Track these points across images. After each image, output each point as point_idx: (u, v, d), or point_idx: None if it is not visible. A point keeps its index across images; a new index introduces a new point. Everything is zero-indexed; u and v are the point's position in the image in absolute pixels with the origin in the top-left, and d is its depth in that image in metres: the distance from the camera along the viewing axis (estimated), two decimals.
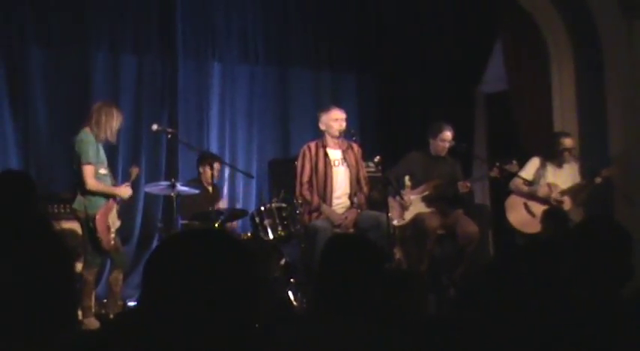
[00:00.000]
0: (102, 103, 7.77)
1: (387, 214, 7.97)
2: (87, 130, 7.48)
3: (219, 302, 2.04)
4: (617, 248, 3.05)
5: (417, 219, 8.75)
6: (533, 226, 8.95)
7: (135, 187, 8.11)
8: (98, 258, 7.48)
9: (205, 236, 2.19)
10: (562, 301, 2.65)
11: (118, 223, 7.66)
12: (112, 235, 7.50)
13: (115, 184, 7.79)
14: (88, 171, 7.37)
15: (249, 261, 2.16)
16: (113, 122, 7.56)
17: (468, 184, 8.90)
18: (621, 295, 3.02)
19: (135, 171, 8.09)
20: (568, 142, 9.07)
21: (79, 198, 7.45)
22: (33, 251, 2.08)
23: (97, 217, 7.37)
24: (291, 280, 8.08)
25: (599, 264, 3.00)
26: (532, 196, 9.07)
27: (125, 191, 7.71)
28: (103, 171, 7.51)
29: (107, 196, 7.52)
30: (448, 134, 8.85)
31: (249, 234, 8.66)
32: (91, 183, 7.39)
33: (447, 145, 8.87)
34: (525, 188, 9.07)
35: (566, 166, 9.11)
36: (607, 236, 3.08)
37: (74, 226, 7.75)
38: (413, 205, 8.78)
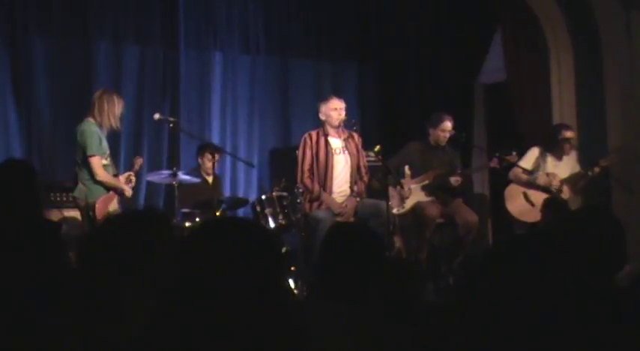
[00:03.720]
0: (102, 91, 7.80)
1: (388, 203, 8.02)
2: (90, 119, 7.52)
3: (249, 290, 2.09)
4: (610, 237, 3.10)
5: (417, 208, 8.80)
6: (532, 215, 8.99)
7: (137, 177, 8.17)
8: None
9: (236, 224, 2.25)
10: (557, 288, 2.69)
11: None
12: None
13: (117, 174, 7.84)
14: (96, 162, 7.42)
15: (279, 248, 2.22)
16: (115, 109, 7.60)
17: (459, 179, 8.94)
18: (614, 283, 3.07)
19: (139, 162, 8.15)
20: (569, 133, 9.10)
21: (80, 186, 7.50)
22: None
23: (97, 205, 7.42)
24: (292, 268, 8.14)
25: (593, 252, 3.04)
26: (532, 185, 9.10)
27: (128, 191, 7.76)
28: (104, 161, 7.55)
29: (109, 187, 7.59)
30: (448, 124, 8.90)
31: None
32: (101, 174, 7.44)
33: (447, 134, 8.92)
34: (525, 177, 9.11)
35: (565, 158, 9.15)
36: (600, 225, 3.13)
37: (76, 214, 7.80)
38: (413, 193, 8.83)
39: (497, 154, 8.91)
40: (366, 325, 2.96)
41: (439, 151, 9.02)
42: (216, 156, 9.17)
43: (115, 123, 7.60)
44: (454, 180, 8.86)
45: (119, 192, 7.65)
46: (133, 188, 8.10)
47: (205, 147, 9.28)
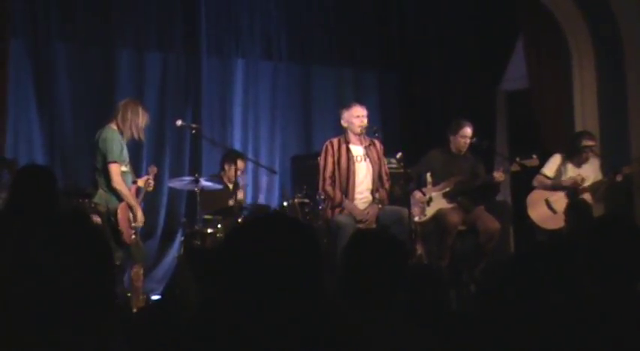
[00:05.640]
0: (128, 100, 7.84)
1: (409, 210, 8.02)
2: (112, 126, 7.55)
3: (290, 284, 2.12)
4: (630, 245, 3.09)
5: (438, 215, 8.79)
6: (554, 223, 8.96)
7: (155, 186, 8.20)
8: (119, 252, 7.50)
9: (274, 220, 2.28)
10: (578, 296, 2.69)
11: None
12: (133, 230, 7.58)
13: (135, 181, 7.87)
14: (114, 169, 7.44)
15: (315, 242, 2.26)
16: (138, 120, 7.61)
17: (502, 174, 8.88)
18: (635, 291, 3.06)
19: (153, 170, 8.16)
20: (589, 141, 9.07)
21: (100, 192, 7.52)
22: (72, 241, 2.13)
23: (119, 211, 7.44)
24: None
25: (614, 261, 3.04)
26: (557, 188, 9.07)
27: (139, 216, 7.76)
28: (124, 168, 7.57)
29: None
30: (468, 131, 8.89)
31: None
32: (118, 181, 7.46)
33: (468, 141, 8.90)
34: (549, 182, 9.10)
35: (587, 165, 9.12)
36: (620, 234, 3.12)
37: (96, 220, 7.81)
38: (434, 201, 8.81)
39: (517, 158, 8.88)
40: (389, 332, 2.96)
41: (460, 158, 9.01)
42: (240, 164, 9.19)
43: (136, 133, 7.61)
44: (498, 175, 8.82)
45: (130, 208, 7.62)
46: (153, 194, 8.13)
47: (235, 155, 9.27)
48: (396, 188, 8.73)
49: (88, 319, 2.07)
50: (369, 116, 8.43)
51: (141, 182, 7.87)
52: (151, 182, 7.95)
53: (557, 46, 10.38)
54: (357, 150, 8.37)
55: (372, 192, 8.39)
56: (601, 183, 9.09)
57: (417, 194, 8.66)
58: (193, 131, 8.74)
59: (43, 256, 2.06)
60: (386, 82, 11.35)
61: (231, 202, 8.98)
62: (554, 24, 10.30)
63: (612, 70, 9.90)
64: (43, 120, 9.22)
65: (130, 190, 7.62)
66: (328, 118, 10.10)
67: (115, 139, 7.48)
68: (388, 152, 8.81)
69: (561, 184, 9.07)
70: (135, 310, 7.53)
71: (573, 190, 9.02)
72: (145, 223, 7.94)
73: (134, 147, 8.26)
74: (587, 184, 9.05)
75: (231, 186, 9.31)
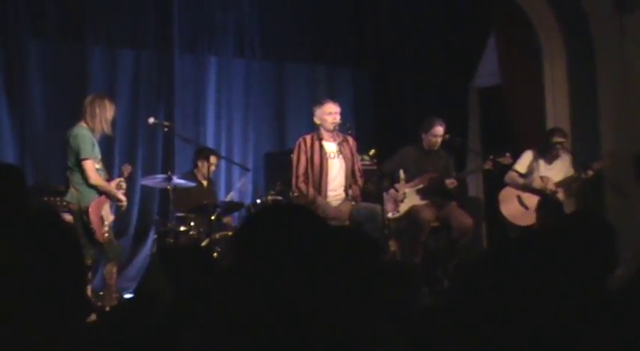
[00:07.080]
0: (94, 95, 7.80)
1: (382, 206, 8.03)
2: (82, 124, 7.51)
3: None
4: (602, 241, 3.12)
5: (412, 211, 8.81)
6: (526, 219, 9.02)
7: (128, 184, 8.16)
8: (91, 250, 7.46)
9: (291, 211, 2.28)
10: (551, 291, 2.71)
11: (111, 218, 7.70)
12: (106, 228, 7.54)
13: (109, 179, 7.83)
14: (89, 166, 7.41)
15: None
16: (107, 113, 7.59)
17: (454, 181, 8.94)
18: (607, 285, 3.09)
19: (127, 169, 8.14)
20: (558, 138, 9.11)
21: (72, 191, 7.48)
22: (40, 240, 2.12)
23: (90, 209, 7.40)
24: None
25: (585, 256, 3.06)
26: (527, 188, 9.12)
27: (122, 200, 7.76)
28: (97, 166, 7.54)
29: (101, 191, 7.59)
30: (439, 129, 8.92)
31: None
32: (94, 177, 7.43)
33: (439, 139, 8.94)
34: (521, 180, 9.13)
35: (557, 161, 9.17)
36: (591, 229, 3.15)
37: (68, 218, 7.77)
38: (407, 197, 8.83)
39: (491, 157, 8.94)
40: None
41: (433, 155, 9.04)
42: (213, 160, 9.18)
43: (107, 128, 7.59)
44: (449, 182, 8.87)
45: (111, 197, 7.64)
46: (125, 194, 8.10)
47: (206, 151, 9.28)
48: (369, 185, 8.75)
49: (58, 318, 2.06)
50: (342, 113, 8.45)
51: (113, 184, 7.82)
52: (123, 185, 7.90)
53: (528, 43, 10.42)
54: (330, 146, 8.39)
55: (345, 189, 8.41)
56: (572, 179, 9.14)
57: (391, 191, 8.69)
58: (166, 129, 8.71)
59: (10, 255, 2.05)
60: (359, 79, 11.36)
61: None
62: (525, 21, 10.34)
63: (583, 67, 9.95)
64: (14, 118, 9.16)
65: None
66: (301, 115, 10.10)
67: (86, 136, 7.44)
68: (362, 149, 8.83)
69: (531, 186, 9.12)
70: (108, 309, 7.50)
71: (543, 192, 9.08)
72: (116, 220, 7.94)
73: (106, 144, 8.23)
74: (557, 180, 9.10)
75: (205, 183, 9.30)
